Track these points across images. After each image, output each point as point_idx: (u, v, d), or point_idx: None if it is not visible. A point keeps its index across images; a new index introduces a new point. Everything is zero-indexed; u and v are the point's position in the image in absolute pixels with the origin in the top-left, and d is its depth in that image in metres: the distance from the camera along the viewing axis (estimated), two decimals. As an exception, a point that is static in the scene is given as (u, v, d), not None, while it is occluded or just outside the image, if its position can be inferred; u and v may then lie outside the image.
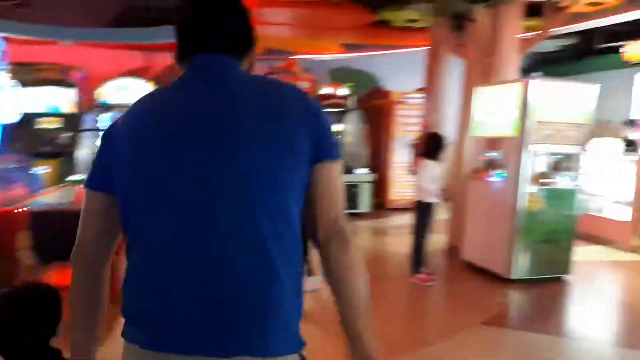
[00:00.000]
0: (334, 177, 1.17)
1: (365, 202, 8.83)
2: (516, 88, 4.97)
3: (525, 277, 5.02)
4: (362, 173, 8.89)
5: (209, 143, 1.08)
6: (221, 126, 1.09)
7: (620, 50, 8.64)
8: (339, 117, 9.79)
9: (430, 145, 5.00)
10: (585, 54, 10.16)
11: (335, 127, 9.77)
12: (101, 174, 1.18)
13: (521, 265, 4.99)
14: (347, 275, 1.14)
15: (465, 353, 3.46)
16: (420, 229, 4.92)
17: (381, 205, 9.66)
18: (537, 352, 3.48)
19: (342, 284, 1.14)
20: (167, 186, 1.08)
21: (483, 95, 5.49)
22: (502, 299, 4.66)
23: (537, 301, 4.67)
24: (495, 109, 5.28)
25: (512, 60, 6.06)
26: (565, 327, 4.09)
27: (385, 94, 9.65)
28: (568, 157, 5.07)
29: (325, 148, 1.16)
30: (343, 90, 9.57)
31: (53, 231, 3.88)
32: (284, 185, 1.09)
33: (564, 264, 5.18)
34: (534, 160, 4.93)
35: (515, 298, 4.72)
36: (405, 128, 9.41)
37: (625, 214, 6.77)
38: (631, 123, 7.83)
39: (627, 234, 6.67)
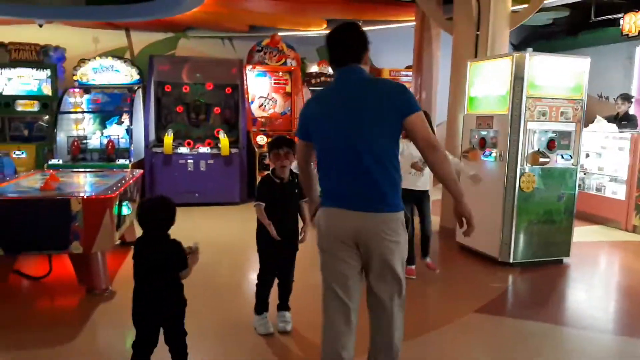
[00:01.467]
0: (416, 121, 2.16)
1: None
2: (508, 62, 4.71)
3: (523, 260, 4.84)
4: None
5: (349, 116, 2.20)
6: (354, 106, 2.20)
7: (620, 22, 8.36)
8: (329, 96, 9.52)
9: None
10: (580, 27, 9.87)
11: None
12: (302, 130, 2.40)
13: (518, 248, 4.80)
14: (440, 165, 2.16)
15: (457, 344, 3.27)
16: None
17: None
18: (529, 340, 3.30)
19: (439, 169, 2.17)
20: (331, 138, 2.25)
21: (475, 71, 5.23)
22: (497, 284, 4.46)
23: (534, 286, 4.47)
24: (487, 84, 5.02)
25: (502, 34, 5.79)
26: (561, 314, 3.89)
27: (375, 72, 9.35)
28: (563, 134, 4.84)
29: (407, 108, 2.17)
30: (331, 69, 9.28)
31: (17, 221, 3.64)
32: (383, 139, 2.19)
33: (563, 246, 4.99)
34: (529, 138, 4.71)
35: (512, 283, 4.52)
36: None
37: (621, 192, 6.60)
38: (628, 98, 7.61)
39: (624, 212, 6.51)
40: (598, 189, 7.01)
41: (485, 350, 3.21)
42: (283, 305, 3.42)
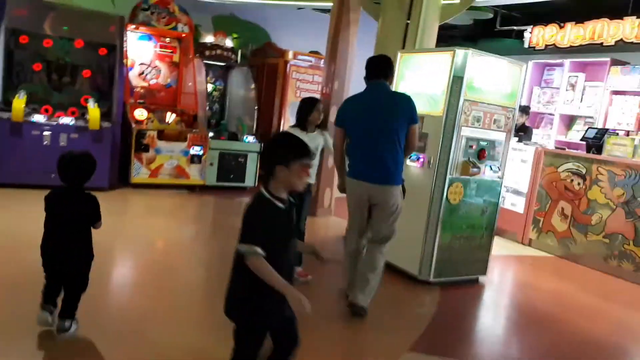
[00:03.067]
0: (414, 131, 3.52)
1: (251, 175, 7.72)
2: (447, 58, 4.18)
3: (443, 280, 4.39)
4: (250, 142, 7.73)
5: (376, 115, 3.47)
6: (380, 109, 3.50)
7: (525, 35, 8.43)
8: (223, 72, 8.47)
9: (298, 112, 4.15)
10: (481, 35, 9.95)
11: (217, 84, 8.45)
12: (341, 120, 3.63)
13: (440, 266, 4.33)
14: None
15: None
16: None
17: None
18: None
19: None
20: (361, 130, 3.53)
21: (405, 63, 4.64)
22: (421, 309, 3.93)
23: (458, 313, 4.02)
24: (419, 80, 4.46)
25: (433, 26, 5.32)
26: (478, 350, 3.50)
27: (280, 52, 8.50)
28: (493, 144, 4.46)
29: (412, 119, 3.48)
30: (228, 42, 8.25)
31: None
32: (398, 134, 3.45)
33: (481, 264, 4.64)
34: (461, 145, 4.24)
35: (436, 308, 4.00)
36: (301, 94, 8.41)
37: (520, 205, 6.57)
38: (526, 110, 7.69)
39: (521, 225, 6.48)
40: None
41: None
42: None
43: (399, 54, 4.68)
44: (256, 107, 8.00)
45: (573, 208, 5.97)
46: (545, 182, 6.29)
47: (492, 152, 4.45)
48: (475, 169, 4.29)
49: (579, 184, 5.94)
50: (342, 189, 3.79)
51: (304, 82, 8.53)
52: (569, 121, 8.72)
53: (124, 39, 7.01)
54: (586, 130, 6.50)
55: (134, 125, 6.91)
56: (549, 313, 4.22)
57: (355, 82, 6.44)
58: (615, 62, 8.04)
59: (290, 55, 8.39)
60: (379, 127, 3.43)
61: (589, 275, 5.49)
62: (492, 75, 4.30)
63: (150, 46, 7.80)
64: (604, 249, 5.61)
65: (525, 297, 4.71)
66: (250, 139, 7.76)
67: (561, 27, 8.38)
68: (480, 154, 4.33)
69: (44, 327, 2.67)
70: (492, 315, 4.26)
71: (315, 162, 4.21)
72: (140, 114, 7.15)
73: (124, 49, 6.99)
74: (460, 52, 4.12)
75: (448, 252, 4.36)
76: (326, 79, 6.49)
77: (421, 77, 4.44)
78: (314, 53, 8.75)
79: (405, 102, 3.49)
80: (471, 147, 4.29)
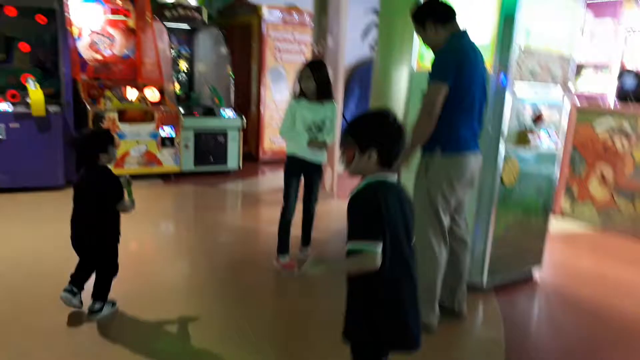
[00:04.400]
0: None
1: (234, 156, 6.64)
2: (493, -6, 3.17)
3: (496, 282, 3.51)
4: (230, 117, 6.62)
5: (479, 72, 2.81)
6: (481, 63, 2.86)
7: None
8: (188, 36, 7.26)
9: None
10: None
11: (182, 51, 7.26)
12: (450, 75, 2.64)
13: (492, 266, 3.43)
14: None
15: None
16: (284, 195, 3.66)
17: (251, 156, 7.59)
18: None
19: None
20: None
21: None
22: (489, 332, 3.05)
23: (526, 333, 3.15)
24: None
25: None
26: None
27: (252, 9, 7.30)
28: (550, 104, 3.52)
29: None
30: (193, 0, 7.03)
31: None
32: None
33: (537, 253, 3.78)
34: (516, 109, 3.29)
35: (503, 329, 3.11)
36: (282, 57, 7.29)
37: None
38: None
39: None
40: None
41: None
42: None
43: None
44: (231, 75, 6.85)
45: (616, 172, 5.14)
46: (579, 142, 5.43)
47: (549, 114, 3.51)
48: (534, 138, 3.36)
49: (622, 143, 5.09)
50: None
51: (284, 41, 7.39)
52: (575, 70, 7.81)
53: (65, 2, 5.75)
54: (620, 76, 5.60)
55: (88, 107, 5.74)
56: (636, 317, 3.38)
57: (352, 39, 5.41)
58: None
59: (264, 11, 7.21)
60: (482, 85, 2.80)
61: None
62: (548, 15, 3.31)
63: (99, 10, 6.52)
64: (658, 217, 4.83)
65: (597, 293, 3.70)
66: (229, 113, 6.65)
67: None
68: (537, 119, 3.39)
69: (69, 306, 2.74)
70: (574, 332, 3.18)
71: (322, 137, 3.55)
72: (95, 92, 5.96)
73: (66, 15, 5.74)
74: (510, -16, 3.10)
75: (502, 247, 3.45)
76: (317, 36, 5.40)
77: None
78: (291, 7, 7.59)
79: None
80: (525, 110, 3.34)
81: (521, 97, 3.26)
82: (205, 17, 7.07)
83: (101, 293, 2.76)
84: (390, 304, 1.61)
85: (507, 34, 3.13)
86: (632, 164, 5.00)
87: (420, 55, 3.62)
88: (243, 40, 7.50)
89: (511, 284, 3.60)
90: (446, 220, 2.78)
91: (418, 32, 2.85)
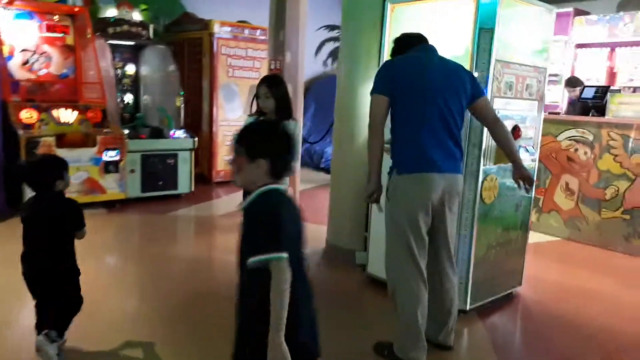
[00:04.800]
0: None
1: (185, 179, 6.21)
2: (470, 4, 3.00)
3: (478, 304, 3.30)
4: (180, 137, 6.20)
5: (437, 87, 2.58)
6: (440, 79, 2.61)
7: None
8: (133, 53, 6.81)
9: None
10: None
11: (128, 69, 6.81)
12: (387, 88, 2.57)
13: (474, 288, 3.22)
14: (498, 130, 2.75)
15: None
16: None
17: (204, 178, 7.17)
18: None
19: (500, 138, 2.77)
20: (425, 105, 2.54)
21: (399, 17, 3.40)
22: None
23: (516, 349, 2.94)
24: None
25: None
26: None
27: (203, 24, 6.95)
28: (524, 118, 3.38)
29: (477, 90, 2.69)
30: (136, 15, 6.60)
31: None
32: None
33: (517, 273, 3.61)
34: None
35: (487, 354, 2.89)
36: (234, 73, 6.97)
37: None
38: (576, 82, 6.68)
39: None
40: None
41: None
42: None
43: (388, 5, 3.43)
44: (181, 93, 6.45)
45: (581, 182, 5.11)
46: (542, 153, 5.37)
47: (524, 128, 3.36)
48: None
49: (585, 153, 5.07)
50: (377, 194, 2.62)
51: (236, 57, 7.07)
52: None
53: (-7, 17, 5.22)
54: (582, 90, 5.65)
55: (20, 131, 5.19)
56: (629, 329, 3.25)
57: (310, 55, 5.16)
58: (578, 13, 7.32)
59: (216, 26, 6.88)
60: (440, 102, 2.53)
61: (616, 261, 4.66)
62: (523, 25, 3.18)
63: (34, 27, 5.97)
64: (623, 226, 4.81)
65: (578, 308, 3.57)
66: (179, 133, 6.24)
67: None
68: (515, 133, 3.22)
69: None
70: (567, 351, 3.02)
71: None
72: (29, 115, 5.41)
73: (-5, 30, 5.21)
74: (485, -7, 2.94)
75: (483, 268, 3.26)
76: (274, 51, 5.11)
77: (431, 32, 3.20)
78: (243, 23, 7.30)
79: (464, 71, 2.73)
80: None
81: (500, 112, 3.08)
82: (151, 33, 6.66)
83: (62, 327, 2.51)
84: (290, 326, 1.51)
85: (484, 46, 2.96)
86: (597, 174, 4.98)
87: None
88: (193, 57, 7.13)
89: (493, 305, 3.40)
90: (423, 254, 2.56)
91: None
